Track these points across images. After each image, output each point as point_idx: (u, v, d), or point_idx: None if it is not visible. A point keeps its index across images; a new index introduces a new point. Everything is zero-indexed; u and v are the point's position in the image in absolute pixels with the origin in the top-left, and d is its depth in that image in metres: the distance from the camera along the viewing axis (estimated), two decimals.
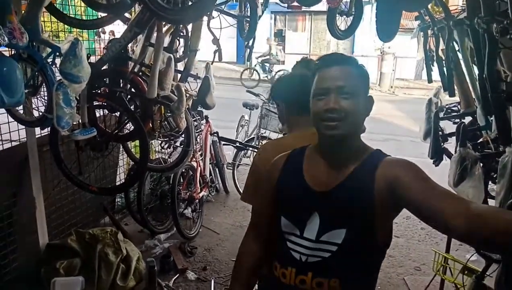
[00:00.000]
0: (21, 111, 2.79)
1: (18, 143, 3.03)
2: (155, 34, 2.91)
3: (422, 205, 1.07)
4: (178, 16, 2.04)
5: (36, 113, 2.79)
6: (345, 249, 1.18)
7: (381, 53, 13.89)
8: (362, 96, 1.23)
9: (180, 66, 3.46)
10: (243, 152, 5.34)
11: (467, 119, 2.90)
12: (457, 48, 2.67)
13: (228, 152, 5.62)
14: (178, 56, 3.39)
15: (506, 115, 1.53)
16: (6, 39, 1.99)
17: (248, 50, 3.66)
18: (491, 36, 1.27)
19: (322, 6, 3.12)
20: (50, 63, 2.50)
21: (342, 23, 3.19)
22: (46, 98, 2.60)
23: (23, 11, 2.55)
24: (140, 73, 3.11)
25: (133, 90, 3.08)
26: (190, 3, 2.39)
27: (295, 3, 2.85)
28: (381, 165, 1.18)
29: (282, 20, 17.50)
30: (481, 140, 2.43)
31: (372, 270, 1.29)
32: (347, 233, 1.18)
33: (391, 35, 2.30)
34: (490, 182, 2.40)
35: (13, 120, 2.77)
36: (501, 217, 0.95)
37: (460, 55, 2.68)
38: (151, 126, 3.08)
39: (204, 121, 4.42)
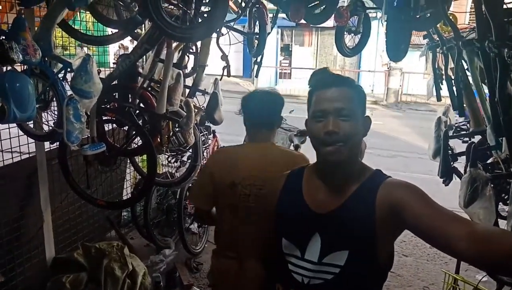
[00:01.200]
0: (31, 125, 2.82)
1: (28, 156, 3.05)
2: (164, 50, 2.95)
3: (427, 229, 1.06)
4: (187, 34, 2.06)
5: (46, 127, 2.82)
6: (348, 271, 1.18)
7: (388, 68, 13.93)
8: (361, 116, 1.23)
9: (189, 81, 3.49)
10: None
11: (477, 138, 2.89)
12: (466, 67, 2.67)
13: None
14: (187, 72, 3.43)
15: None
16: (20, 56, 2.02)
17: (257, 66, 3.68)
18: (503, 60, 1.27)
19: (329, 22, 3.15)
20: (61, 78, 2.53)
21: (350, 40, 3.21)
22: (56, 112, 2.63)
23: (36, 27, 2.60)
24: (149, 89, 3.14)
25: (142, 105, 3.11)
26: (199, 20, 2.43)
27: (303, 21, 2.86)
28: (382, 187, 1.18)
29: (289, 35, 17.64)
30: (491, 160, 2.41)
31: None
32: (349, 255, 1.17)
33: (401, 55, 2.31)
34: (501, 203, 2.38)
35: (23, 133, 2.79)
36: (506, 240, 0.94)
37: (469, 74, 2.68)
38: (159, 141, 3.10)
39: (211, 136, 4.43)
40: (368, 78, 15.69)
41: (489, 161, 2.45)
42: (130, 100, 3.02)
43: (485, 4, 1.37)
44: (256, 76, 3.63)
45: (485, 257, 0.95)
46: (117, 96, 3.08)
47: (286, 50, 17.78)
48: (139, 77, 3.12)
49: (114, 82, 3.00)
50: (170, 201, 4.13)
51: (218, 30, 3.17)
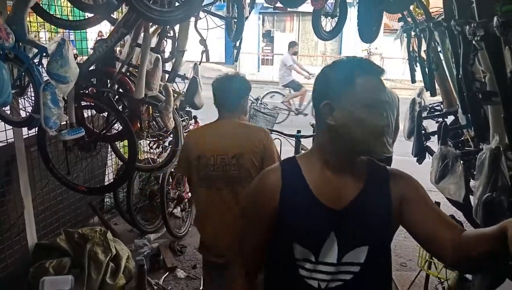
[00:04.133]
0: (8, 112, 2.79)
1: (5, 143, 3.02)
2: (142, 35, 2.94)
3: (419, 229, 1.10)
4: (165, 17, 2.07)
5: (23, 113, 2.80)
6: (367, 269, 1.11)
7: (368, 54, 14.01)
8: None
9: (168, 66, 3.49)
10: None
11: (450, 118, 2.98)
12: (438, 49, 2.74)
13: None
14: (165, 56, 3.42)
15: (481, 114, 1.60)
16: None
17: (236, 50, 3.69)
18: (465, 38, 1.33)
19: (310, 7, 3.17)
20: (37, 63, 2.51)
21: (327, 24, 3.24)
22: (33, 98, 2.61)
23: (8, 12, 2.56)
24: (128, 74, 3.13)
25: (120, 90, 3.10)
26: (177, 4, 2.42)
27: (279, 4, 2.88)
28: (392, 178, 1.16)
29: (270, 21, 17.56)
30: (462, 138, 2.50)
31: (390, 286, 1.25)
32: (369, 250, 1.11)
33: (372, 36, 2.36)
34: (471, 179, 2.48)
35: (0, 120, 2.76)
36: (478, 247, 1.00)
37: (442, 56, 2.76)
38: (139, 126, 3.11)
39: (192, 121, 4.44)
40: None
41: (460, 139, 2.54)
42: (108, 85, 3.01)
43: None
44: (236, 60, 3.66)
45: (462, 263, 1.06)
46: (95, 82, 3.06)
47: (267, 36, 17.70)
48: (117, 62, 3.10)
49: (91, 67, 2.98)
50: (152, 186, 4.16)
51: (196, 14, 3.16)
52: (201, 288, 2.74)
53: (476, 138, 1.86)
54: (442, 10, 2.90)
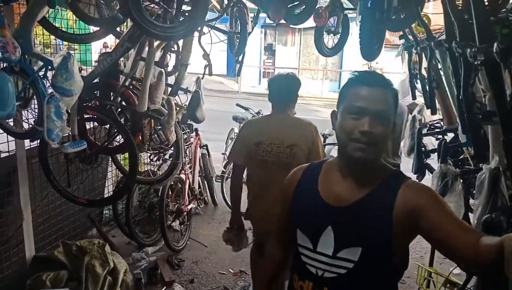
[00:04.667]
0: (11, 123, 2.80)
1: (7, 154, 3.03)
2: (146, 49, 2.97)
3: (441, 237, 1.10)
4: (167, 33, 2.10)
5: (26, 125, 2.81)
6: (361, 267, 1.18)
7: (368, 68, 14.11)
8: (392, 122, 1.21)
9: (171, 80, 3.52)
10: (232, 164, 5.38)
11: (450, 136, 2.99)
12: (439, 67, 2.77)
13: (217, 164, 5.65)
14: (169, 70, 3.45)
15: (481, 134, 1.61)
16: None
17: (238, 65, 3.73)
18: (466, 60, 1.35)
19: (311, 22, 3.22)
20: (41, 76, 2.53)
21: (330, 40, 3.28)
22: (36, 110, 2.62)
23: (16, 25, 2.59)
24: (131, 87, 3.16)
25: (123, 103, 3.12)
26: (181, 19, 2.46)
27: (283, 21, 2.93)
28: (402, 188, 1.18)
29: (272, 35, 17.72)
30: (462, 156, 2.51)
31: (388, 289, 1.28)
32: (363, 251, 1.17)
33: (374, 54, 2.39)
34: (470, 198, 2.48)
35: (3, 131, 2.78)
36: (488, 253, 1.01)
37: (442, 74, 2.78)
38: (140, 139, 3.12)
39: (193, 134, 4.46)
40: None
41: (460, 158, 2.55)
42: (111, 98, 3.04)
43: (449, 5, 1.45)
44: (238, 74, 3.69)
45: (480, 264, 1.05)
46: (98, 94, 3.09)
47: (269, 50, 17.85)
48: (121, 75, 3.13)
49: (95, 80, 3.01)
50: (152, 199, 4.15)
51: (199, 29, 3.21)
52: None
53: (476, 159, 1.87)
54: (444, 28, 2.95)
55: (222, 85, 16.03)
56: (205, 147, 4.98)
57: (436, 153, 2.84)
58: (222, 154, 6.02)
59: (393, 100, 1.21)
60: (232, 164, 3.01)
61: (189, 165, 4.27)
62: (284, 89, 2.67)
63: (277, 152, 2.56)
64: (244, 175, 2.89)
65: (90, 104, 3.01)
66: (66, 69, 2.32)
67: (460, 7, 1.50)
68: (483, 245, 1.02)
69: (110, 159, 3.88)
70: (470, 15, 1.34)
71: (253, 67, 16.51)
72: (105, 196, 4.06)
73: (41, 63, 2.48)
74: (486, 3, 1.32)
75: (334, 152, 5.15)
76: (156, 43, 3.12)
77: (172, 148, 3.46)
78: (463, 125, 1.63)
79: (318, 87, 16.28)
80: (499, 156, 1.69)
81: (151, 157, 3.96)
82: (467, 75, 1.45)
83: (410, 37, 3.08)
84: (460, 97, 1.52)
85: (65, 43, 3.70)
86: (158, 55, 3.19)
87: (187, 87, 3.46)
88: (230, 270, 3.75)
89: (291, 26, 15.77)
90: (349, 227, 1.19)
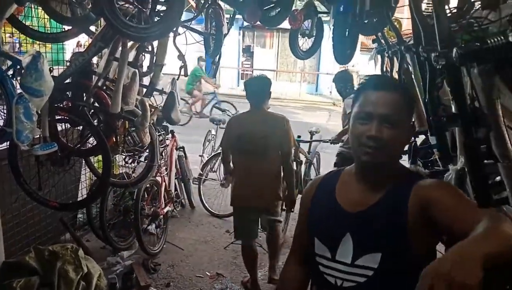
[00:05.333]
0: None
1: None
2: (120, 48, 2.93)
3: (450, 222, 1.05)
4: (141, 33, 2.08)
5: None
6: (381, 274, 1.14)
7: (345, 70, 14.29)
8: (406, 124, 1.21)
9: (146, 80, 3.48)
10: (209, 166, 5.36)
11: (422, 138, 3.06)
12: (410, 70, 2.83)
13: (195, 166, 5.62)
14: (143, 70, 3.42)
15: (445, 136, 1.66)
16: None
17: (215, 66, 3.72)
18: (431, 64, 1.39)
19: (288, 24, 3.24)
20: (10, 76, 2.47)
21: (304, 43, 3.32)
22: (5, 111, 2.56)
23: None
24: (104, 88, 3.10)
25: (96, 104, 3.06)
26: (155, 19, 2.43)
27: (259, 23, 2.94)
28: (415, 188, 1.16)
29: (251, 36, 17.77)
30: (431, 158, 2.57)
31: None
32: (382, 257, 1.14)
33: (347, 58, 2.42)
34: None
35: None
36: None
37: (413, 77, 2.84)
38: (114, 141, 3.08)
39: (169, 136, 4.42)
40: (327, 80, 16.05)
41: (430, 159, 2.61)
42: (84, 99, 2.98)
43: (414, 11, 1.50)
44: (214, 76, 3.68)
45: None
46: (70, 95, 3.03)
47: (247, 52, 17.89)
48: (94, 76, 3.07)
49: (67, 81, 2.95)
50: (127, 202, 4.09)
51: (174, 29, 3.19)
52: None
53: (441, 161, 1.92)
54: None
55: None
56: (181, 149, 4.94)
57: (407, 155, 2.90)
58: (200, 156, 6.00)
59: (404, 101, 1.20)
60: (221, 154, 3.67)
61: (165, 168, 4.23)
62: (258, 89, 3.22)
63: (255, 143, 3.11)
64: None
65: (62, 105, 2.95)
66: (35, 69, 2.27)
67: (427, 12, 1.54)
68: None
69: (84, 161, 3.80)
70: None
71: (231, 69, 16.50)
72: (78, 199, 3.97)
73: (9, 63, 2.42)
74: (448, 11, 1.36)
75: (319, 148, 5.35)
76: (130, 43, 3.09)
77: (147, 150, 3.42)
78: (429, 128, 1.68)
79: (296, 90, 16.41)
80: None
81: (126, 160, 3.91)
82: (432, 79, 1.49)
83: (382, 41, 3.14)
84: (426, 100, 1.57)
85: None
86: (132, 55, 3.15)
87: (163, 88, 3.43)
88: (207, 273, 3.74)
89: (269, 28, 15.87)
90: (366, 233, 1.17)
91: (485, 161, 1.42)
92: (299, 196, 3.46)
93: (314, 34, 3.28)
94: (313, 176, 5.10)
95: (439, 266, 0.83)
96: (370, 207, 1.19)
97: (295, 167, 4.01)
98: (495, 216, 1.01)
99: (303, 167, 4.83)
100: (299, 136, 4.56)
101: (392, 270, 1.15)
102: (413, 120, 1.28)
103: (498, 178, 1.57)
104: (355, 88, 4.55)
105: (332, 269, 1.21)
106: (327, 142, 4.83)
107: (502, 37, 0.99)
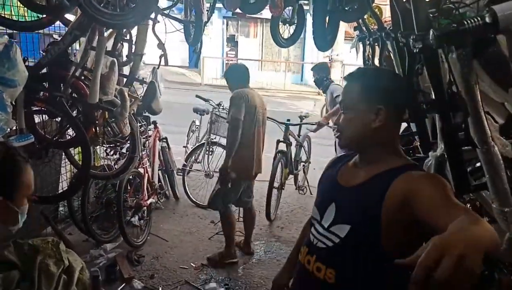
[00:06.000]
0: None
1: None
2: (97, 37, 2.86)
3: (428, 218, 1.05)
4: (116, 20, 2.02)
5: None
6: (346, 244, 1.24)
7: (329, 60, 14.32)
8: (361, 109, 1.27)
9: (127, 70, 3.41)
10: (194, 157, 5.32)
11: (404, 125, 3.08)
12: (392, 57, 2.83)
13: (178, 157, 5.57)
14: (123, 60, 3.34)
15: (425, 123, 1.66)
16: None
17: (196, 55, 3.67)
18: (409, 49, 1.38)
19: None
20: None
21: (286, 31, 3.28)
22: None
23: None
24: (82, 77, 3.03)
25: (74, 95, 2.99)
26: (131, 6, 2.37)
27: (239, 10, 2.89)
28: (401, 176, 1.19)
29: (235, 26, 17.61)
30: (413, 145, 2.58)
31: (374, 277, 1.23)
32: (350, 230, 1.24)
33: (327, 45, 2.40)
34: None
35: None
36: None
37: (395, 64, 2.84)
38: (94, 132, 3.02)
39: (152, 127, 4.36)
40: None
41: (411, 146, 2.63)
42: (61, 90, 2.90)
43: None
44: (196, 65, 3.63)
45: None
46: (47, 86, 2.94)
47: (232, 41, 17.73)
48: (71, 66, 3.00)
49: (44, 71, 2.87)
50: (109, 195, 4.03)
51: (154, 17, 3.12)
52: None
53: (421, 147, 1.93)
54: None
55: (184, 77, 15.78)
56: (165, 140, 4.89)
57: None
58: (184, 147, 5.94)
59: (362, 88, 1.28)
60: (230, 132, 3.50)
61: (147, 159, 4.17)
62: (243, 71, 3.62)
63: (262, 114, 3.60)
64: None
65: (38, 96, 2.87)
66: (8, 58, 2.19)
67: None
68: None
69: (63, 153, 3.72)
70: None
71: (215, 59, 16.35)
72: (59, 192, 3.90)
73: None
74: None
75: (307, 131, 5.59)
76: (108, 32, 3.02)
77: (129, 142, 3.37)
78: (409, 114, 1.67)
79: (281, 79, 16.38)
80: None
81: (107, 151, 3.84)
82: (411, 65, 1.48)
83: (364, 28, 3.13)
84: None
85: None
86: (110, 44, 3.08)
87: (143, 78, 3.37)
88: (191, 264, 3.72)
89: (253, 17, 15.74)
90: (346, 206, 1.29)
91: (464, 147, 1.43)
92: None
93: (295, 22, 3.24)
94: (304, 158, 5.56)
95: (452, 243, 0.78)
96: (356, 186, 1.30)
97: (285, 148, 4.80)
98: (473, 215, 0.99)
99: (293, 149, 5.11)
100: (288, 120, 4.98)
101: (354, 244, 1.24)
102: (381, 107, 1.23)
103: (478, 164, 1.58)
104: (331, 80, 5.12)
105: (315, 230, 1.36)
106: (314, 124, 5.13)
107: (479, 18, 0.98)
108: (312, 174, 5.62)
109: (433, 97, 1.47)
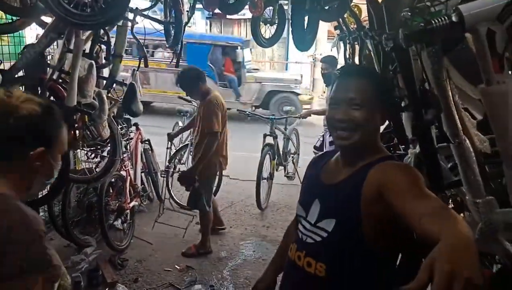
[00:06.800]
0: None
1: None
2: (74, 40, 2.81)
3: (400, 208, 1.07)
4: (87, 21, 1.98)
5: None
6: (333, 238, 1.27)
7: (313, 60, 14.39)
8: (375, 106, 1.27)
9: (107, 72, 3.36)
10: (177, 158, 5.27)
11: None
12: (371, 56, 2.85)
13: (162, 159, 5.51)
14: (102, 62, 3.30)
15: (401, 120, 1.68)
16: None
17: (177, 56, 3.64)
18: (383, 47, 1.39)
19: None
20: None
21: (267, 31, 3.28)
22: None
23: None
24: (60, 80, 2.99)
25: (52, 98, 2.94)
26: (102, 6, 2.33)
27: (218, 11, 2.88)
28: (375, 167, 1.23)
29: (218, 26, 17.54)
30: (393, 142, 2.60)
31: (361, 271, 1.26)
32: (336, 223, 1.27)
33: (307, 45, 2.40)
34: None
35: None
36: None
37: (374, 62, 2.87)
38: (73, 135, 2.96)
39: (134, 129, 4.31)
40: (296, 69, 16.10)
41: (391, 143, 2.65)
42: (39, 93, 2.85)
43: None
44: (177, 66, 3.59)
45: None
46: (24, 89, 2.88)
47: None
48: (48, 68, 2.95)
49: (20, 74, 2.81)
50: (91, 198, 3.97)
51: (132, 18, 3.09)
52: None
53: (399, 144, 1.94)
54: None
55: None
56: (147, 142, 4.83)
57: None
58: (167, 148, 5.89)
59: (370, 85, 1.28)
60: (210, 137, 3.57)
61: (129, 161, 4.12)
62: (198, 71, 3.61)
63: (226, 113, 3.66)
64: None
65: None
66: None
67: None
68: (423, 227, 0.97)
69: None
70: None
71: None
72: (39, 197, 3.82)
73: None
74: None
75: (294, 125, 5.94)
76: (85, 34, 2.97)
77: (110, 144, 3.32)
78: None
79: None
80: None
81: (88, 154, 3.78)
82: (385, 62, 1.49)
83: (344, 27, 3.15)
84: None
85: None
86: (88, 46, 3.03)
87: (123, 80, 3.33)
88: (176, 266, 3.69)
89: (237, 17, 15.71)
90: (331, 202, 1.32)
91: (440, 144, 1.44)
92: None
93: (276, 22, 3.24)
94: (292, 150, 5.82)
95: (441, 260, 0.76)
96: (338, 182, 1.32)
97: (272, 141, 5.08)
98: (448, 210, 1.02)
99: (281, 142, 5.42)
100: (273, 115, 5.48)
101: (340, 238, 1.27)
102: (384, 107, 1.27)
103: None
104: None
105: (302, 227, 1.38)
106: (297, 117, 5.49)
107: (446, 18, 0.99)
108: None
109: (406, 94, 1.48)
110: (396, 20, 1.20)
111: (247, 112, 5.26)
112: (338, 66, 5.21)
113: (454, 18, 0.94)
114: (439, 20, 0.98)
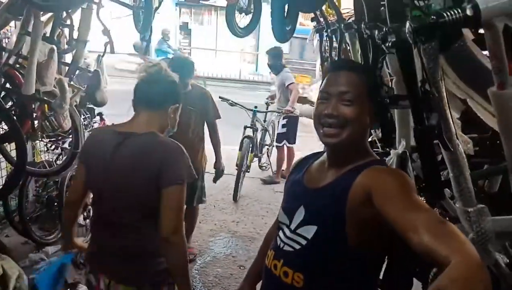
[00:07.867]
0: None
1: None
2: (32, 22, 2.58)
3: (389, 215, 1.02)
4: (51, 2, 1.80)
5: None
6: (313, 246, 1.20)
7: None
8: (366, 102, 1.20)
9: (69, 58, 3.14)
10: None
11: None
12: (348, 49, 2.78)
13: None
14: (64, 47, 3.07)
15: (388, 118, 1.61)
16: None
17: (146, 43, 3.45)
18: (374, 42, 1.30)
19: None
20: None
21: (242, 20, 3.14)
22: None
23: None
24: (17, 66, 2.76)
25: (8, 85, 2.72)
26: None
27: None
28: (363, 172, 1.16)
29: (188, 13, 17.15)
30: (370, 139, 2.55)
31: (343, 283, 1.20)
32: (317, 231, 1.19)
33: (286, 36, 2.30)
34: None
35: None
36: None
37: (352, 57, 2.80)
38: (31, 126, 2.75)
39: (97, 119, 4.08)
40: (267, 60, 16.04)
41: (369, 140, 2.60)
42: None
43: None
44: (145, 53, 3.39)
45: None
46: None
47: (185, 29, 17.25)
48: (4, 52, 2.71)
49: None
50: (51, 193, 3.73)
51: (98, 1, 2.88)
52: None
53: (383, 142, 1.89)
54: (353, 12, 2.96)
55: (135, 65, 15.17)
56: None
57: None
58: None
59: (361, 80, 1.21)
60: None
61: None
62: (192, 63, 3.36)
63: None
64: None
65: None
66: None
67: None
68: (427, 246, 0.91)
69: None
70: None
71: None
72: None
73: None
74: None
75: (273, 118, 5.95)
76: (45, 16, 2.74)
77: (72, 136, 3.10)
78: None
79: (236, 70, 16.20)
80: (406, 139, 1.71)
81: (48, 146, 3.53)
82: (375, 58, 1.41)
83: (321, 19, 3.06)
84: None
85: None
86: (49, 29, 2.81)
87: (88, 67, 3.11)
88: None
89: (208, 4, 15.39)
90: (313, 207, 1.24)
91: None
92: None
93: (252, 10, 3.10)
94: (268, 141, 5.89)
95: None
96: (323, 186, 1.24)
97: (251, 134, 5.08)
98: (448, 225, 0.95)
99: (259, 134, 5.45)
100: (255, 107, 5.29)
101: (321, 245, 1.19)
102: (373, 105, 1.21)
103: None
104: (284, 65, 5.50)
105: (283, 233, 1.29)
106: (280, 112, 5.36)
107: (459, 10, 0.90)
108: None
109: (396, 92, 1.41)
110: (396, 12, 1.11)
111: (230, 101, 5.11)
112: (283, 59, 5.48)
113: (468, 12, 0.86)
114: (452, 13, 0.89)
